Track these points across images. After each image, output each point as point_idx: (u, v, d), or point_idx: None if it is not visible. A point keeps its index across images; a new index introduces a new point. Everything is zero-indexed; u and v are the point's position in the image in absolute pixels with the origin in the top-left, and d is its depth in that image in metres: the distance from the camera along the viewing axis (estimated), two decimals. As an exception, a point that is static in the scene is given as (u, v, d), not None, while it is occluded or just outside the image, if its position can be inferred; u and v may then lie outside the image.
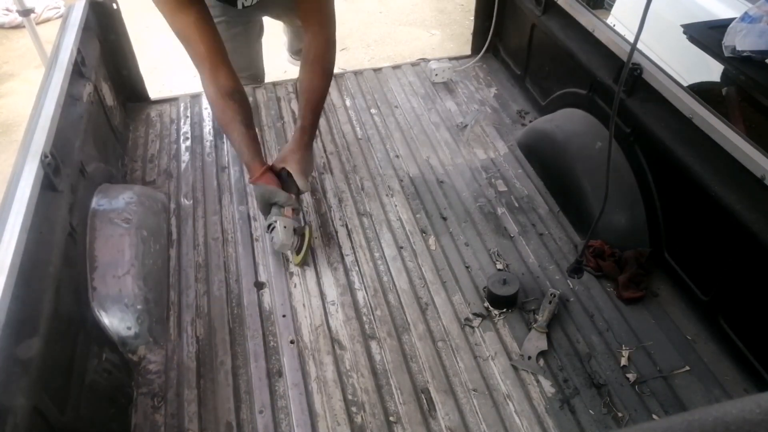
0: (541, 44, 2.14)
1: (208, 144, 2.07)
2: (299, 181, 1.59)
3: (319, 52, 1.65)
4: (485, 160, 2.00)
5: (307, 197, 1.84)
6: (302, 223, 1.64)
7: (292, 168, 1.59)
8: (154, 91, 2.33)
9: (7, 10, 4.41)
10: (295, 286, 1.58)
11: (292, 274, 1.61)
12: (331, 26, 1.65)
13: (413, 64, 2.51)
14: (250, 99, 2.27)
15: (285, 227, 1.53)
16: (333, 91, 2.35)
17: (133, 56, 2.18)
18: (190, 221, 1.77)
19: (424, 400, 1.32)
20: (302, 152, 1.62)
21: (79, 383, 1.14)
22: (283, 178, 1.61)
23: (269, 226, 1.56)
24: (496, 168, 1.96)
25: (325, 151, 2.04)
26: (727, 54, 2.12)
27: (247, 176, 1.90)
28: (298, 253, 1.60)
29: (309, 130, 1.66)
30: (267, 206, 1.58)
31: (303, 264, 1.61)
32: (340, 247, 1.68)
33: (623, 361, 1.38)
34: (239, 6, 1.76)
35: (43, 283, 1.10)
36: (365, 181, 1.91)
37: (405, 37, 4.32)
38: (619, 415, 1.28)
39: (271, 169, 1.61)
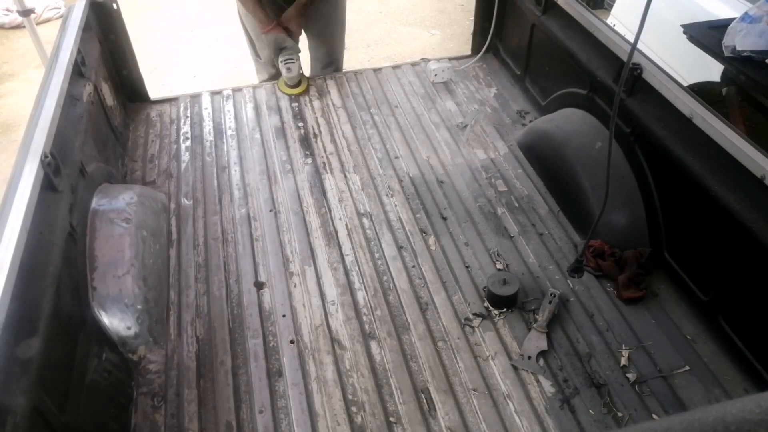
0: (541, 44, 2.14)
1: (208, 144, 2.07)
2: (296, 37, 2.28)
3: None
4: (485, 160, 2.00)
5: (307, 196, 1.85)
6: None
7: (293, 27, 2.25)
8: (154, 91, 2.33)
9: (8, 10, 4.41)
10: (295, 286, 1.58)
11: (292, 274, 1.61)
12: None
13: (413, 64, 2.51)
14: (251, 100, 2.28)
15: (299, 64, 2.26)
16: (333, 91, 2.35)
17: (133, 56, 2.18)
18: (190, 221, 1.77)
19: (424, 400, 1.32)
20: (299, 18, 2.25)
21: (79, 383, 1.14)
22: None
23: (288, 59, 2.23)
24: (496, 168, 1.96)
25: (325, 151, 2.04)
26: (727, 54, 2.12)
27: (247, 175, 1.93)
28: (296, 86, 2.31)
29: (306, 5, 2.20)
30: (278, 49, 2.24)
31: (298, 95, 2.30)
32: (340, 247, 1.68)
33: (623, 361, 1.38)
34: None
35: (43, 283, 1.10)
36: (365, 181, 1.91)
37: (405, 37, 4.32)
38: (619, 414, 1.28)
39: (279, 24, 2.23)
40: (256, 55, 2.48)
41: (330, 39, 2.47)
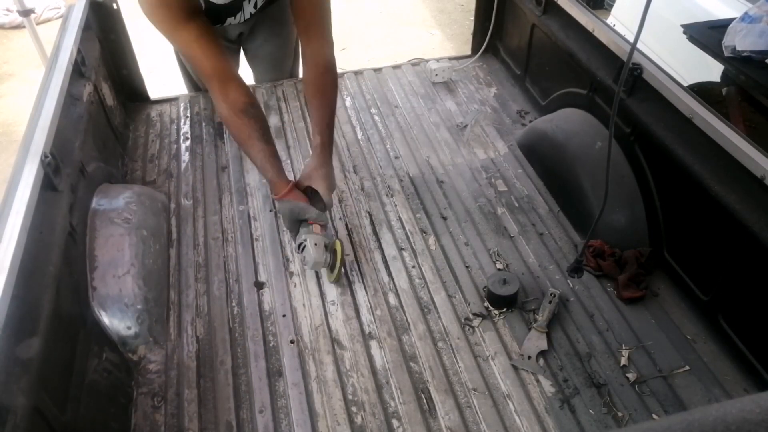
0: (541, 44, 2.14)
1: (208, 144, 2.07)
2: (326, 198, 1.54)
3: (324, 67, 1.60)
4: (485, 160, 2.00)
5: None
6: (332, 239, 1.61)
7: (319, 185, 1.53)
8: (154, 91, 2.33)
9: (8, 10, 4.41)
10: (295, 286, 1.57)
11: (292, 273, 1.61)
12: (331, 39, 1.60)
13: (413, 64, 2.51)
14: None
15: (316, 244, 1.48)
16: (333, 91, 2.34)
17: (133, 56, 2.18)
18: (190, 221, 1.77)
19: (424, 400, 1.32)
20: (325, 169, 1.56)
21: (79, 383, 1.14)
22: (308, 195, 1.56)
23: (300, 245, 1.52)
24: (496, 168, 1.96)
25: (325, 151, 2.04)
26: (727, 54, 2.12)
27: (247, 175, 1.92)
28: (332, 269, 1.54)
29: (328, 145, 1.59)
30: (296, 222, 1.54)
31: (338, 280, 1.56)
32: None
33: (623, 361, 1.38)
34: (227, 23, 1.75)
35: (43, 283, 1.10)
36: (365, 181, 1.91)
37: (405, 37, 4.33)
38: (619, 414, 1.28)
39: (297, 186, 1.55)
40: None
41: (278, 64, 2.22)
